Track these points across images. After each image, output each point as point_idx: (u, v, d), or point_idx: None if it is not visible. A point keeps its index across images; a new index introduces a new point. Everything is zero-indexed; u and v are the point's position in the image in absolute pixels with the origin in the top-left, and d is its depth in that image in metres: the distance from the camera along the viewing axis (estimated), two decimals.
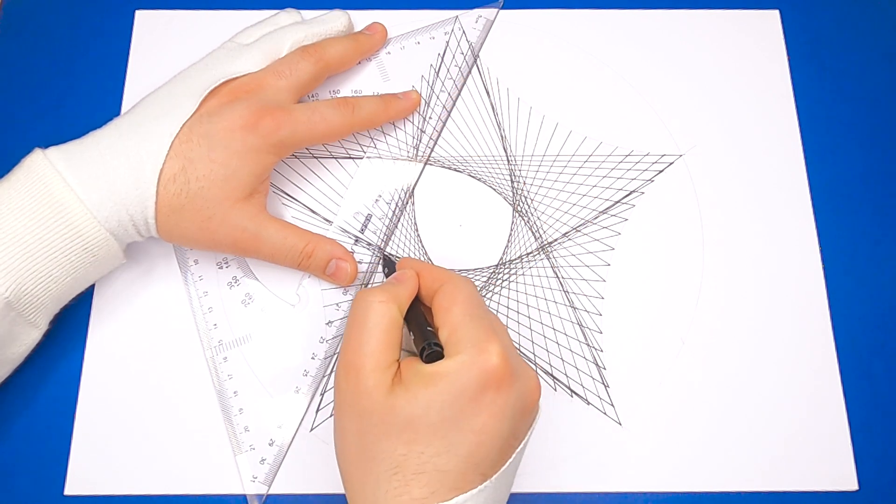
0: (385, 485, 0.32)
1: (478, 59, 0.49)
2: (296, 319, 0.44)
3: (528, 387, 0.34)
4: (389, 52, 0.49)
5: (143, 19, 0.50)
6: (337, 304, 0.44)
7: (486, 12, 0.50)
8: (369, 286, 0.44)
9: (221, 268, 0.45)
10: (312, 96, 0.48)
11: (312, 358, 0.43)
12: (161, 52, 0.49)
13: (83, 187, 0.38)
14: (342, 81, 0.48)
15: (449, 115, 0.47)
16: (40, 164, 0.38)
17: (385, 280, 0.40)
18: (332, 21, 0.47)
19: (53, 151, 0.39)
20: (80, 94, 0.48)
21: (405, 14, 0.50)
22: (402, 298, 0.36)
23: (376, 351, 0.34)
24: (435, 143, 0.47)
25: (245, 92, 0.42)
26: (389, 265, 0.42)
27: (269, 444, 0.41)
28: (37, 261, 0.37)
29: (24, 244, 0.37)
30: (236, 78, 0.42)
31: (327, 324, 0.44)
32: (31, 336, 0.39)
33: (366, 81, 0.48)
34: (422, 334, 0.35)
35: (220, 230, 0.40)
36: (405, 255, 0.45)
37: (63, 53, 0.49)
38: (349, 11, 0.48)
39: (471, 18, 0.50)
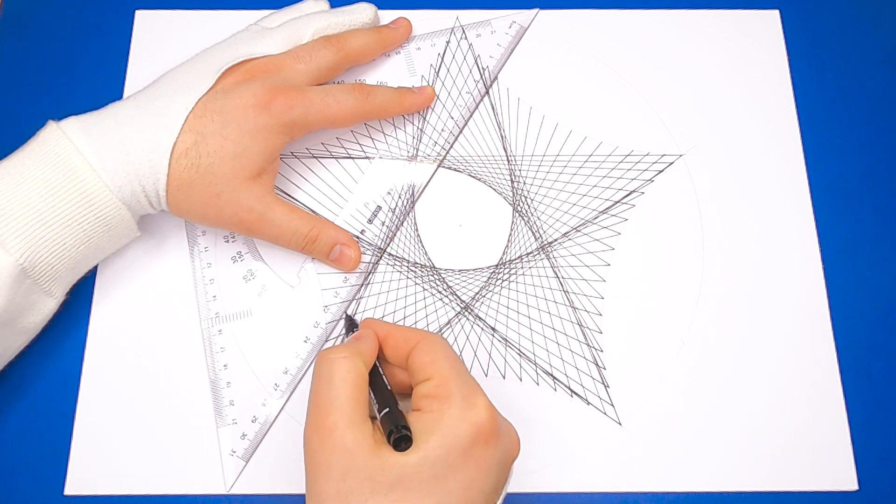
0: None
1: (482, 63, 0.49)
2: (294, 301, 0.44)
3: (511, 441, 0.34)
4: (419, 48, 0.49)
5: (143, 19, 0.50)
6: (335, 291, 0.44)
7: (521, 18, 0.50)
8: (370, 286, 0.44)
9: (227, 241, 0.45)
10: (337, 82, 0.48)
11: (305, 341, 0.43)
12: (161, 52, 0.49)
13: (97, 157, 0.38)
14: (367, 72, 0.48)
15: (467, 120, 0.47)
16: (54, 135, 0.38)
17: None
18: (358, 12, 0.47)
19: (71, 121, 0.39)
20: (80, 93, 0.48)
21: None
22: (365, 353, 0.35)
23: (348, 407, 0.32)
24: (451, 146, 0.47)
25: (262, 72, 0.42)
26: (352, 325, 0.41)
27: (252, 421, 0.42)
28: (50, 229, 0.37)
29: (38, 212, 0.37)
30: (255, 58, 0.42)
31: (324, 309, 0.44)
32: (47, 306, 0.39)
33: (392, 75, 0.48)
34: (389, 417, 0.33)
35: (226, 208, 0.40)
36: (405, 256, 0.45)
37: (63, 53, 0.49)
38: (377, 8, 0.48)
39: (504, 23, 0.50)
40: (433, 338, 0.35)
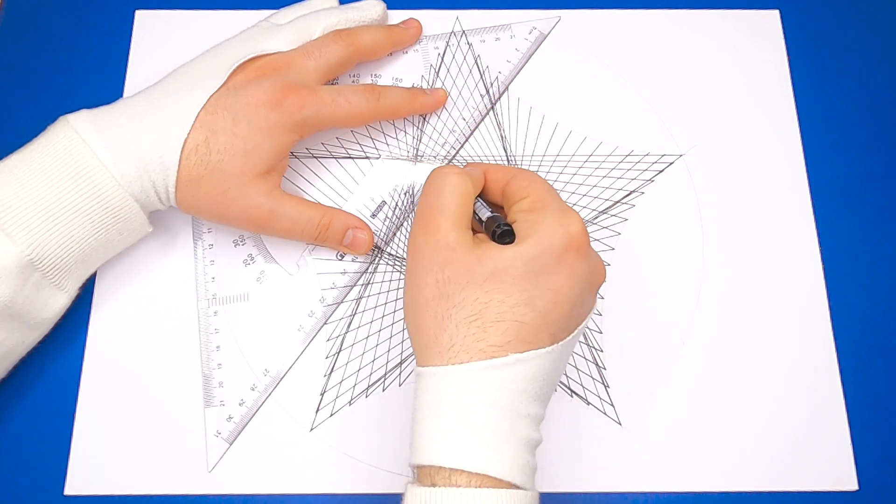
0: (464, 330, 0.33)
1: (483, 65, 0.49)
2: (291, 289, 0.44)
3: (598, 264, 0.37)
4: (437, 47, 0.49)
5: (143, 19, 0.50)
6: (333, 283, 0.44)
7: (542, 25, 0.50)
8: (370, 286, 0.44)
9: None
10: (354, 78, 0.48)
11: (299, 329, 0.43)
12: (161, 52, 0.49)
13: (108, 151, 0.38)
14: (382, 66, 0.49)
15: (478, 123, 0.48)
16: (63, 129, 0.39)
17: None
18: (367, 9, 0.47)
19: (82, 114, 0.39)
20: (80, 94, 0.48)
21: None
22: (474, 178, 0.38)
23: (454, 213, 0.36)
24: (457, 152, 0.47)
25: (273, 69, 0.42)
26: None
27: (240, 404, 0.42)
28: (58, 220, 0.38)
29: (46, 204, 0.37)
30: (265, 55, 0.43)
31: (320, 300, 0.44)
32: (59, 301, 0.39)
33: (406, 72, 0.48)
34: (492, 217, 0.37)
35: (234, 205, 0.41)
36: (405, 256, 0.45)
37: (63, 53, 0.49)
38: (391, 9, 0.49)
39: (524, 29, 0.50)
40: (528, 172, 0.38)
